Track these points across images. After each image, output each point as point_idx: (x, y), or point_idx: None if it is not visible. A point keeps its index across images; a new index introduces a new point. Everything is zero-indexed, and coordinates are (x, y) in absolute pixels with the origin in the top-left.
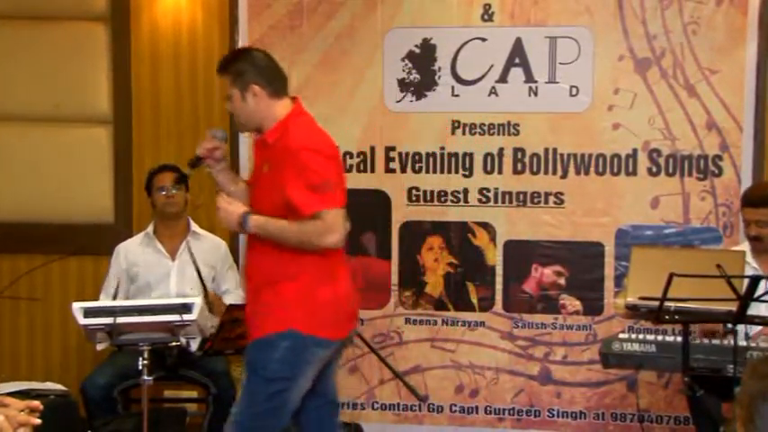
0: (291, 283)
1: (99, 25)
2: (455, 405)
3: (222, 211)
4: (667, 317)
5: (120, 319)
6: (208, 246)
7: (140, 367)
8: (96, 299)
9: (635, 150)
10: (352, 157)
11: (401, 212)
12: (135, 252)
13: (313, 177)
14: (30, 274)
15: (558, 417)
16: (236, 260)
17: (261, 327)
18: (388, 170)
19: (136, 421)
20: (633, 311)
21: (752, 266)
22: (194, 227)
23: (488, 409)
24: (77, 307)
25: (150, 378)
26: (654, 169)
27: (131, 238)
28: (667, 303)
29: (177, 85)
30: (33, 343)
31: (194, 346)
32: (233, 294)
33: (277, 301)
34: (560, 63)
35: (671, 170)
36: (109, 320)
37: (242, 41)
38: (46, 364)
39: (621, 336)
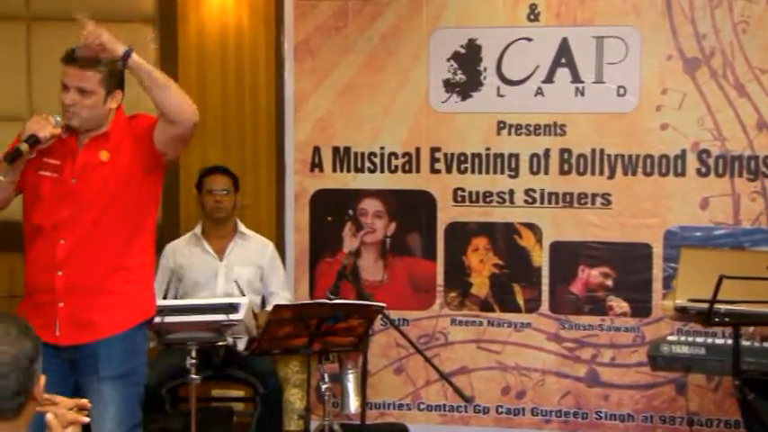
0: None
1: (147, 27)
2: (501, 406)
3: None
4: (717, 319)
5: (168, 319)
6: (255, 246)
7: (188, 366)
8: None
9: (684, 151)
10: (397, 158)
11: (446, 213)
12: (183, 252)
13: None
14: None
15: (605, 419)
16: (282, 260)
17: None
18: (434, 171)
19: (184, 420)
20: (682, 313)
21: None
22: (242, 227)
23: (535, 410)
24: None
25: (198, 377)
26: (703, 170)
27: (179, 239)
28: (717, 305)
29: (224, 85)
30: None
31: (241, 345)
32: (279, 296)
33: None
34: (607, 63)
35: (721, 171)
36: (157, 320)
37: (287, 42)
38: None
39: (670, 338)
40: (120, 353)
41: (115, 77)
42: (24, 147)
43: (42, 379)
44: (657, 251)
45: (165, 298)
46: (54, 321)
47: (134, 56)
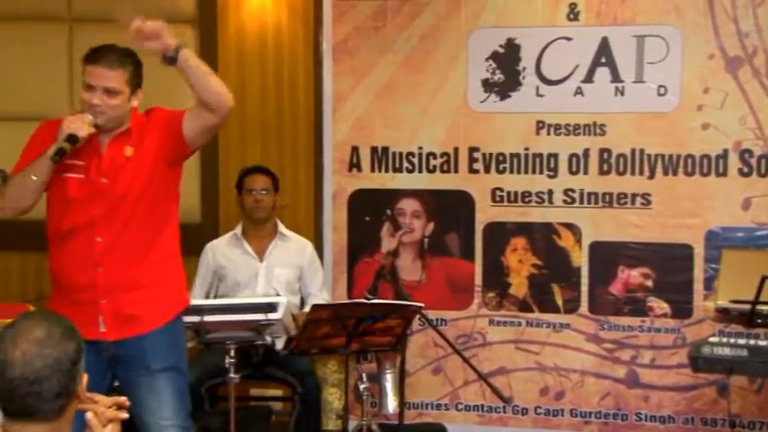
0: None
1: (187, 28)
2: (540, 407)
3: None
4: (760, 320)
5: (207, 318)
6: (294, 247)
7: (227, 365)
8: None
9: (725, 151)
10: (435, 158)
11: (485, 213)
12: (223, 252)
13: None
14: None
15: (645, 421)
16: (320, 260)
17: None
18: (472, 171)
19: (222, 419)
20: (724, 315)
21: None
22: (281, 228)
23: (574, 411)
24: None
25: (237, 376)
26: (745, 170)
27: (219, 238)
28: (760, 307)
29: (262, 85)
30: None
31: (280, 344)
32: (316, 297)
33: None
34: (648, 62)
35: (763, 171)
36: (196, 319)
37: (326, 42)
38: None
39: (712, 339)
40: (166, 345)
41: (139, 76)
42: (67, 146)
43: (85, 378)
44: (698, 252)
45: (207, 297)
46: (96, 318)
47: (184, 48)
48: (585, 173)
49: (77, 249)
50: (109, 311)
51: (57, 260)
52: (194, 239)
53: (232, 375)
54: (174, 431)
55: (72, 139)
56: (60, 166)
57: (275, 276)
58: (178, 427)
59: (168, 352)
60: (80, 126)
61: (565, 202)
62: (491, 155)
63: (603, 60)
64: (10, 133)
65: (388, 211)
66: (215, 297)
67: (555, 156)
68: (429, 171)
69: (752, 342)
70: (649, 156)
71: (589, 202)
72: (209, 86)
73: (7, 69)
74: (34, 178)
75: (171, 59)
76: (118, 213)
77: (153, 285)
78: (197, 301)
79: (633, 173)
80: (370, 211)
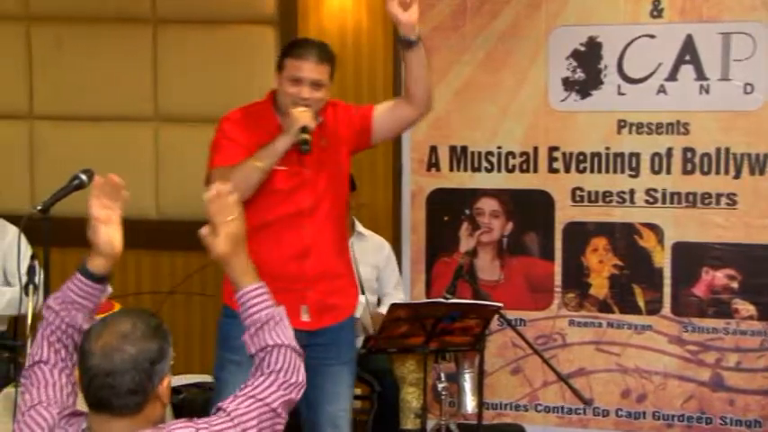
0: None
1: (267, 29)
2: (621, 410)
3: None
4: None
5: None
6: (372, 246)
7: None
8: None
9: None
10: (514, 157)
11: (565, 213)
12: None
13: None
14: (201, 271)
15: (731, 425)
16: (398, 260)
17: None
18: (552, 170)
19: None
20: None
21: None
22: (359, 227)
23: (657, 414)
24: None
25: None
26: None
27: None
28: None
29: (342, 85)
30: (205, 338)
31: (358, 343)
32: (392, 296)
33: None
34: (734, 60)
35: None
36: None
37: None
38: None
39: None
40: (352, 336)
41: (335, 70)
42: (309, 137)
43: (167, 381)
44: None
45: None
46: (300, 308)
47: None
48: (668, 172)
49: (285, 240)
50: (313, 301)
51: (262, 250)
52: None
53: None
54: (346, 421)
55: (307, 130)
56: None
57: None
58: (348, 417)
59: (353, 343)
60: (310, 119)
61: (647, 202)
62: (571, 154)
63: (688, 58)
64: (96, 133)
65: (467, 211)
66: None
67: (637, 155)
68: (508, 170)
69: None
70: (735, 155)
71: (672, 202)
72: (426, 81)
73: (93, 70)
74: (259, 165)
75: (410, 42)
76: (321, 204)
77: (345, 275)
78: None
79: (718, 172)
80: (448, 210)
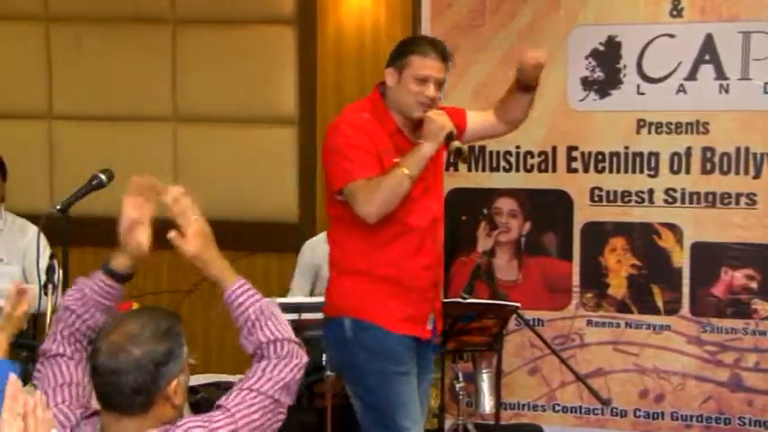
0: None
1: (286, 28)
2: (639, 410)
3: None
4: None
5: (306, 316)
6: None
7: (324, 363)
8: (281, 295)
9: None
10: (533, 157)
11: (583, 213)
12: (320, 250)
13: None
14: None
15: (750, 425)
16: None
17: None
18: (570, 170)
19: (319, 415)
20: None
21: None
22: None
23: (675, 415)
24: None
25: (333, 373)
26: None
27: (317, 236)
28: None
29: (361, 85)
30: (224, 336)
31: None
32: None
33: None
34: (754, 59)
35: None
36: (294, 316)
37: None
38: (236, 357)
39: None
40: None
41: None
42: (464, 146)
43: (175, 382)
44: None
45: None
46: (428, 316)
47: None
48: (687, 172)
49: (419, 248)
50: (437, 309)
51: (395, 259)
52: (292, 238)
53: (329, 373)
54: None
55: (453, 136)
56: (390, 163)
57: None
58: None
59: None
60: (450, 123)
61: (666, 201)
62: (590, 154)
63: (707, 58)
64: (114, 133)
65: (485, 211)
66: (310, 295)
67: (656, 155)
68: (526, 170)
69: None
70: (755, 155)
71: (691, 202)
72: (527, 111)
73: (111, 70)
74: (407, 172)
75: (531, 89)
76: (439, 213)
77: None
78: (295, 298)
79: (738, 172)
80: (466, 210)
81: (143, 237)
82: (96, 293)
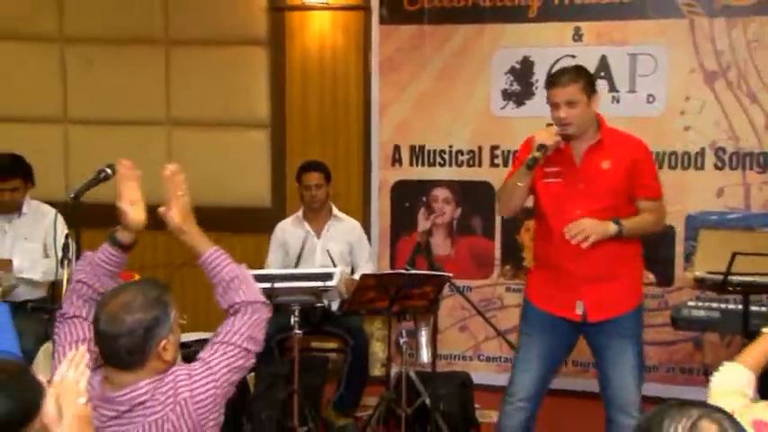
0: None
1: (260, 48)
2: None
3: (590, 226)
4: (730, 288)
5: (277, 285)
6: (346, 226)
7: (292, 323)
8: (260, 269)
9: (703, 149)
10: (463, 155)
11: None
12: (288, 230)
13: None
14: None
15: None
16: (368, 238)
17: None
18: (493, 165)
19: (289, 366)
20: (701, 283)
21: None
22: (335, 211)
23: (575, 362)
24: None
25: (300, 332)
26: (719, 164)
27: (286, 219)
28: (730, 277)
29: (321, 95)
30: (209, 300)
31: (335, 306)
32: (364, 267)
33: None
34: (639, 75)
35: (734, 165)
36: (268, 285)
37: (374, 60)
38: (219, 319)
39: (690, 303)
40: (633, 325)
41: (591, 84)
42: (539, 155)
43: (164, 342)
44: (680, 232)
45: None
46: (575, 302)
47: (624, 228)
48: None
49: (563, 242)
50: (588, 297)
51: (547, 249)
52: (265, 220)
53: (296, 331)
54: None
55: (541, 148)
56: (541, 173)
57: (330, 250)
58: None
59: (634, 330)
60: (547, 137)
61: None
62: (509, 151)
63: (602, 74)
64: (119, 134)
65: (424, 198)
66: (281, 268)
67: None
68: (458, 165)
69: (723, 306)
70: None
71: None
72: (646, 232)
73: (117, 82)
74: (520, 184)
75: (621, 232)
76: (595, 214)
77: (621, 277)
78: (269, 270)
79: None
80: (408, 198)
81: (141, 213)
82: (104, 261)
